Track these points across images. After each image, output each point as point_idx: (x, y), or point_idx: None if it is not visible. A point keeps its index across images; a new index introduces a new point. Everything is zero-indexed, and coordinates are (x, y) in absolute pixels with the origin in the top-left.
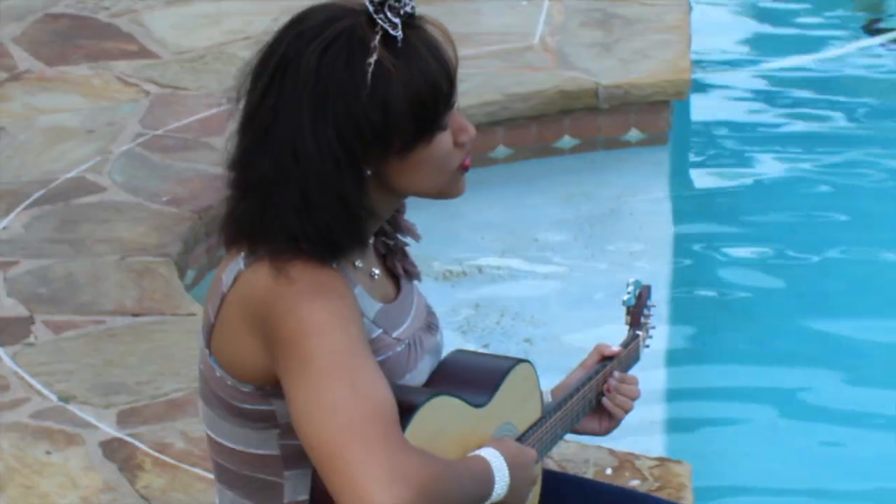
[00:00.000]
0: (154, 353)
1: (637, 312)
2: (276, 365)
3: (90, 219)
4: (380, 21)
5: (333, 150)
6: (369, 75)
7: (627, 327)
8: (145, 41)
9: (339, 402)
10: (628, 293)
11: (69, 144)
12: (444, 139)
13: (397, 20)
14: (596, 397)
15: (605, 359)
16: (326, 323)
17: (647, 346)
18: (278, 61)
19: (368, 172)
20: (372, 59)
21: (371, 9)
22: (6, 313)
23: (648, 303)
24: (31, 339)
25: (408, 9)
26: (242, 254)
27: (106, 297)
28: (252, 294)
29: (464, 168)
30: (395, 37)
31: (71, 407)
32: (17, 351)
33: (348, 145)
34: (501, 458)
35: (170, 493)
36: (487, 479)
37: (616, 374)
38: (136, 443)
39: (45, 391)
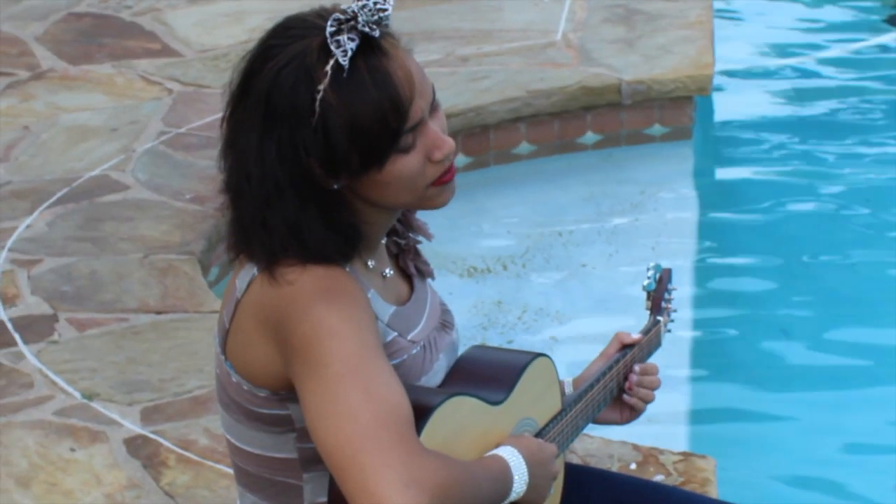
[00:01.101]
0: (177, 350)
1: (658, 297)
2: (290, 370)
3: (113, 217)
4: (333, 47)
5: (275, 173)
6: (317, 104)
7: (648, 312)
8: (168, 39)
9: (353, 408)
10: (648, 277)
11: (92, 143)
12: (404, 162)
13: (353, 45)
14: (617, 386)
15: (626, 347)
16: (339, 327)
17: (670, 331)
18: (243, 76)
19: (335, 187)
20: (320, 88)
21: (330, 31)
22: (30, 311)
23: (669, 286)
24: (55, 336)
25: (370, 28)
26: (254, 260)
27: (129, 294)
28: (265, 299)
29: (441, 183)
30: (343, 66)
31: (95, 404)
32: (41, 349)
33: (291, 169)
34: (520, 457)
35: (194, 490)
36: (506, 479)
37: (636, 367)
38: (160, 440)
39: (69, 389)
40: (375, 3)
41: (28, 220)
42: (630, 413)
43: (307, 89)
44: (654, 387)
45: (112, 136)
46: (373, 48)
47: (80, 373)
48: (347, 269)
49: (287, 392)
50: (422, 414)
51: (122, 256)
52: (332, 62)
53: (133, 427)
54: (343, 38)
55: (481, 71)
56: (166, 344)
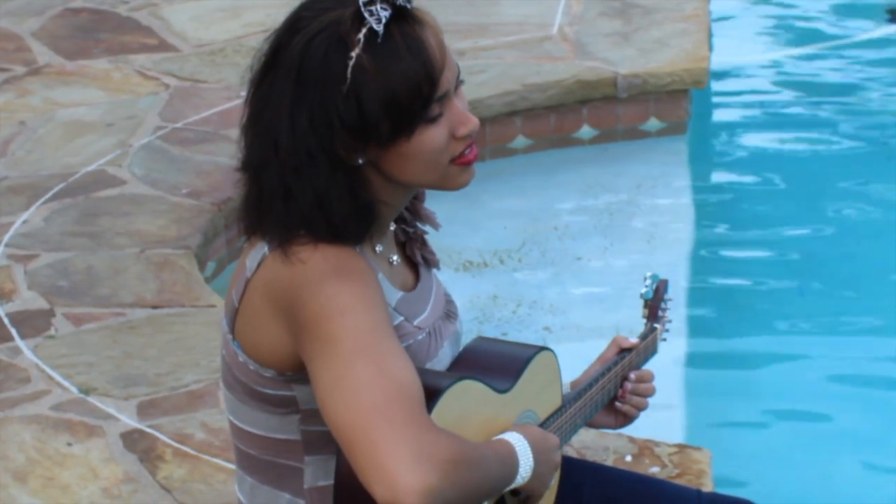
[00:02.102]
0: (174, 344)
1: (654, 306)
2: (301, 347)
3: (110, 212)
4: (366, 15)
5: (307, 141)
6: (349, 70)
7: (645, 320)
8: (165, 34)
9: (364, 384)
10: (646, 286)
11: (89, 138)
12: (431, 133)
13: (386, 13)
14: (614, 389)
15: (623, 350)
16: (352, 304)
17: (665, 339)
18: (272, 49)
19: (361, 161)
20: (353, 54)
21: (362, 1)
22: (27, 306)
23: (666, 297)
24: (52, 331)
25: (401, 2)
26: (267, 238)
27: (126, 289)
28: (277, 278)
29: (464, 162)
30: (377, 32)
31: (91, 399)
32: (38, 343)
33: (322, 137)
34: (526, 443)
35: (190, 484)
36: (512, 463)
37: (632, 375)
38: (157, 434)
39: (66, 383)
40: None
41: (24, 216)
42: (623, 419)
43: (340, 56)
44: (648, 394)
45: (108, 131)
46: (405, 17)
47: (76, 367)
48: (358, 250)
49: (293, 373)
50: (432, 395)
51: (118, 251)
52: (365, 29)
53: (129, 421)
54: (376, 7)
55: (477, 65)
56: (163, 338)
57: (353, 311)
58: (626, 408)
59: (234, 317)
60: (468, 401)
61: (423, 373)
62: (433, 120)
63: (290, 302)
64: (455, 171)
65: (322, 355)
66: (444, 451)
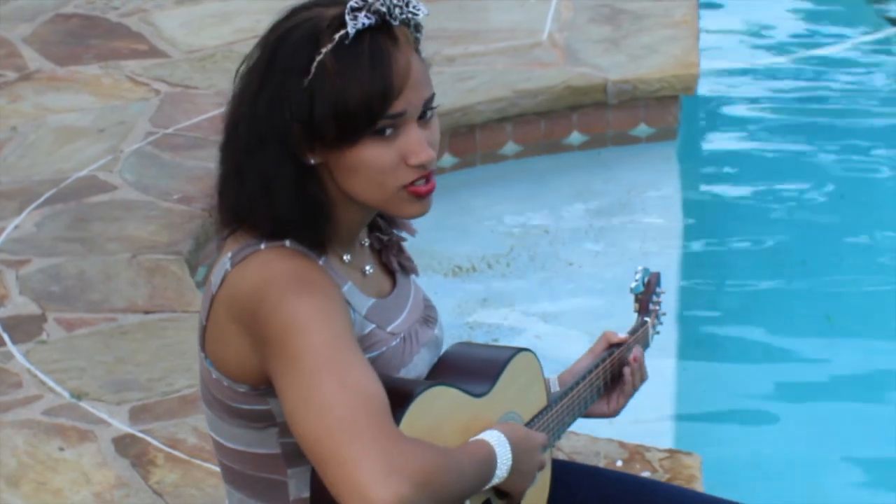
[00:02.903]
0: (165, 349)
1: (645, 299)
2: (267, 364)
3: (101, 217)
4: (348, 19)
5: (261, 125)
6: (314, 66)
7: (636, 314)
8: (155, 40)
9: (328, 400)
10: (636, 280)
11: (80, 144)
12: (377, 151)
13: (367, 22)
14: (603, 383)
15: (613, 346)
16: (312, 319)
17: (658, 333)
18: (263, 36)
19: (312, 161)
20: (322, 50)
21: (352, 5)
22: (19, 311)
23: (658, 290)
24: (44, 336)
25: (391, 15)
26: (229, 254)
27: (117, 294)
28: (238, 294)
29: (415, 192)
30: (348, 35)
31: (83, 404)
32: (30, 348)
33: (276, 125)
34: (505, 441)
35: (182, 488)
36: (489, 463)
37: (640, 349)
38: (149, 438)
39: (58, 388)
40: (409, 3)
41: (16, 221)
42: (617, 403)
43: (309, 50)
44: (643, 376)
45: (100, 136)
46: (384, 31)
47: (68, 372)
48: (321, 262)
49: (266, 386)
50: (401, 403)
51: (110, 256)
52: (341, 32)
53: (121, 426)
54: (362, 13)
55: (467, 71)
56: (154, 343)
57: (313, 325)
58: (628, 374)
59: (203, 333)
60: (441, 407)
61: (392, 381)
62: (381, 139)
63: (252, 318)
64: (404, 197)
65: (286, 372)
66: (414, 461)
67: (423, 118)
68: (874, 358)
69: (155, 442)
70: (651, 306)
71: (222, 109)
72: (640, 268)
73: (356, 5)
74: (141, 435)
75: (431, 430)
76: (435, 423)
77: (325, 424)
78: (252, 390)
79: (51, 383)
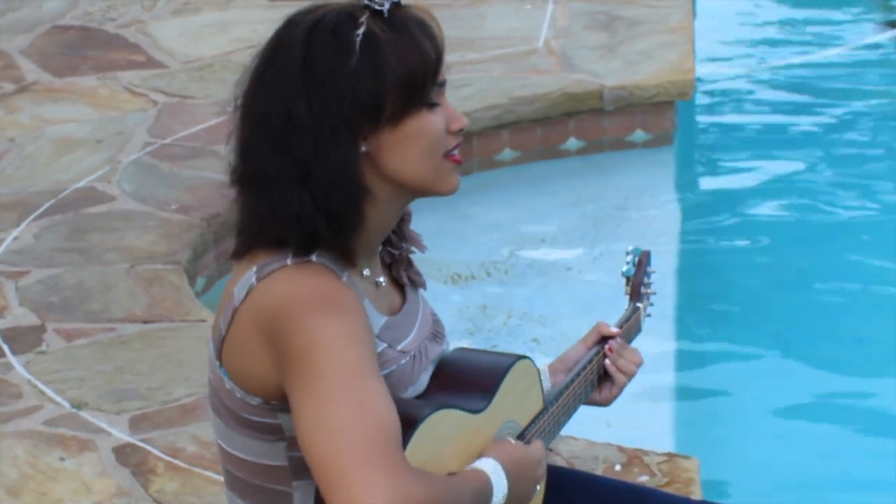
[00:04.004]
0: (164, 359)
1: (637, 282)
2: (285, 380)
3: (100, 228)
4: (368, 2)
5: (328, 116)
6: (357, 45)
7: (628, 298)
8: (152, 51)
9: (344, 423)
10: (627, 262)
11: (78, 154)
12: (433, 118)
13: (385, 3)
14: (597, 376)
15: (605, 338)
16: (337, 340)
17: (650, 315)
18: (270, 49)
19: (364, 149)
20: (360, 31)
21: None
22: (18, 322)
23: (648, 269)
24: (43, 347)
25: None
26: (255, 268)
27: (116, 304)
28: (264, 309)
29: (455, 161)
30: (381, 11)
31: (83, 413)
32: (30, 359)
33: (341, 110)
34: (501, 470)
35: (182, 497)
36: (486, 492)
37: (617, 340)
38: (149, 448)
39: (58, 398)
40: None
41: (15, 232)
42: (610, 391)
43: (348, 34)
44: (636, 361)
45: (97, 147)
46: (406, 7)
47: (68, 382)
48: (344, 279)
49: (279, 402)
50: (407, 428)
51: (108, 267)
52: (369, 11)
53: (121, 435)
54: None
55: (464, 78)
56: (153, 353)
57: (339, 347)
58: (613, 368)
59: (221, 344)
60: (444, 429)
61: (398, 403)
62: (433, 106)
63: (277, 333)
64: (447, 168)
65: (304, 390)
66: (418, 492)
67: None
68: (873, 364)
69: (155, 451)
70: (642, 289)
71: (219, 120)
72: (629, 248)
73: None
74: (141, 444)
75: (434, 451)
76: (438, 446)
77: (336, 446)
78: (264, 404)
79: (51, 393)
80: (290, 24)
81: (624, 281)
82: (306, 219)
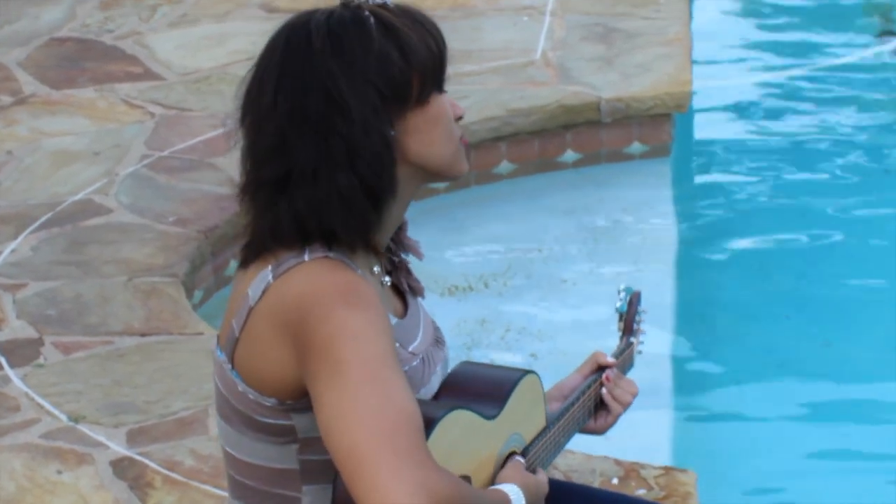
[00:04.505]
0: (162, 372)
1: (629, 319)
2: (306, 371)
3: (97, 240)
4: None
5: (371, 98)
6: (375, 30)
7: (620, 334)
8: (150, 63)
9: (371, 411)
10: (620, 299)
11: (75, 167)
12: (444, 102)
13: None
14: (594, 403)
15: (601, 368)
16: (362, 331)
17: (640, 353)
18: (281, 55)
19: (393, 133)
20: (373, 20)
21: None
22: (16, 335)
23: (640, 308)
24: (41, 360)
25: None
26: (269, 267)
27: (114, 317)
28: (285, 302)
29: (466, 144)
30: (385, 3)
31: (81, 427)
32: (27, 372)
33: (381, 92)
34: (521, 497)
35: None
36: None
37: (614, 370)
38: (146, 461)
39: (56, 411)
40: None
41: (12, 245)
42: (606, 420)
43: (365, 19)
44: (631, 391)
45: (95, 159)
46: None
47: (65, 395)
48: (360, 273)
49: (294, 401)
50: (426, 425)
51: (106, 279)
52: (370, 4)
53: (119, 449)
54: None
55: (461, 90)
56: (151, 366)
57: (364, 338)
58: (609, 397)
59: (233, 347)
60: (459, 430)
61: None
62: (444, 91)
63: (299, 325)
64: (462, 150)
65: (329, 379)
66: (445, 489)
67: None
68: (872, 377)
69: (153, 464)
70: (634, 326)
71: (217, 133)
72: (622, 286)
73: None
74: (138, 457)
75: (450, 451)
76: (453, 445)
77: (364, 434)
78: (279, 404)
79: (48, 407)
80: (295, 27)
81: (617, 317)
82: (354, 201)
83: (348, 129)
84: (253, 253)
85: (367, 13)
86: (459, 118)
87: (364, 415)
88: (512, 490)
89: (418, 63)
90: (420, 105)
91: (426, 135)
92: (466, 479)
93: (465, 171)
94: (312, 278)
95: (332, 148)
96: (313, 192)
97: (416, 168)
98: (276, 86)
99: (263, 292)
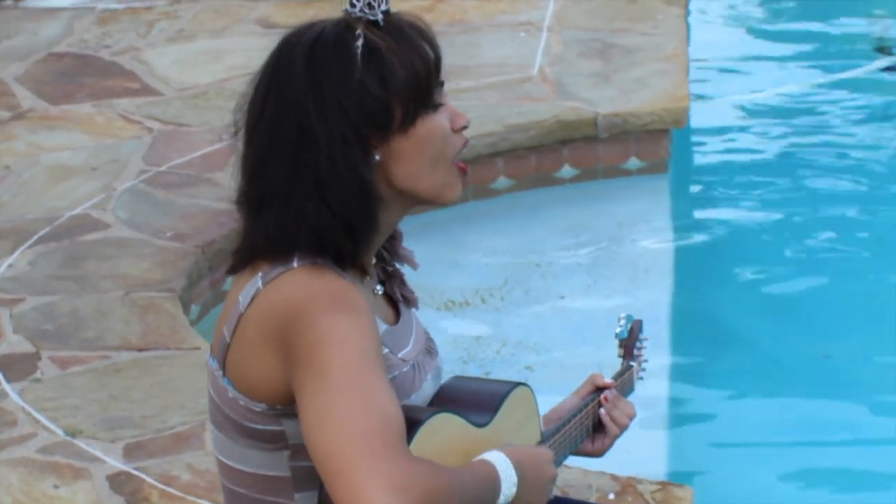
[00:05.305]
0: (159, 387)
1: (629, 345)
2: (292, 376)
3: (95, 255)
4: (360, 14)
5: (340, 128)
6: (359, 55)
7: (621, 360)
8: (148, 78)
9: (351, 415)
10: (620, 326)
11: (73, 182)
12: (440, 119)
13: (378, 13)
14: (592, 424)
15: (599, 389)
16: (346, 336)
17: (642, 378)
18: (271, 69)
19: (377, 157)
20: (359, 42)
21: (348, 8)
22: (12, 350)
23: (641, 336)
24: (38, 374)
25: (383, 6)
26: (260, 274)
27: (111, 332)
28: (272, 308)
29: (461, 169)
30: (376, 20)
31: (78, 441)
32: (24, 387)
33: (353, 122)
34: (507, 460)
35: None
36: (493, 481)
37: (612, 391)
38: (143, 476)
39: (52, 426)
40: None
41: (10, 260)
42: (603, 442)
43: (349, 46)
44: (629, 413)
45: (93, 175)
46: (392, 14)
47: (62, 410)
48: (349, 279)
49: (284, 406)
50: (410, 427)
51: (103, 294)
52: (363, 23)
53: (116, 463)
54: (364, 9)
55: (458, 106)
56: (148, 381)
57: (348, 343)
58: (607, 418)
59: (224, 353)
60: (447, 434)
61: (402, 406)
62: (437, 107)
63: (286, 330)
64: (454, 175)
65: (312, 384)
66: (421, 481)
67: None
68: (872, 390)
69: (149, 479)
70: (635, 352)
71: (214, 148)
72: (622, 315)
73: (351, 7)
74: (135, 472)
75: (437, 454)
76: (440, 449)
77: (344, 438)
78: (269, 409)
79: (45, 421)
80: (288, 44)
81: (617, 343)
82: (324, 231)
83: (315, 159)
84: (244, 259)
85: (356, 33)
86: (463, 128)
87: (343, 419)
88: (493, 455)
89: (399, 90)
90: (405, 129)
91: (411, 160)
92: None
93: (455, 198)
94: (300, 285)
95: (302, 177)
96: (284, 218)
97: (404, 193)
98: (263, 105)
99: (253, 298)
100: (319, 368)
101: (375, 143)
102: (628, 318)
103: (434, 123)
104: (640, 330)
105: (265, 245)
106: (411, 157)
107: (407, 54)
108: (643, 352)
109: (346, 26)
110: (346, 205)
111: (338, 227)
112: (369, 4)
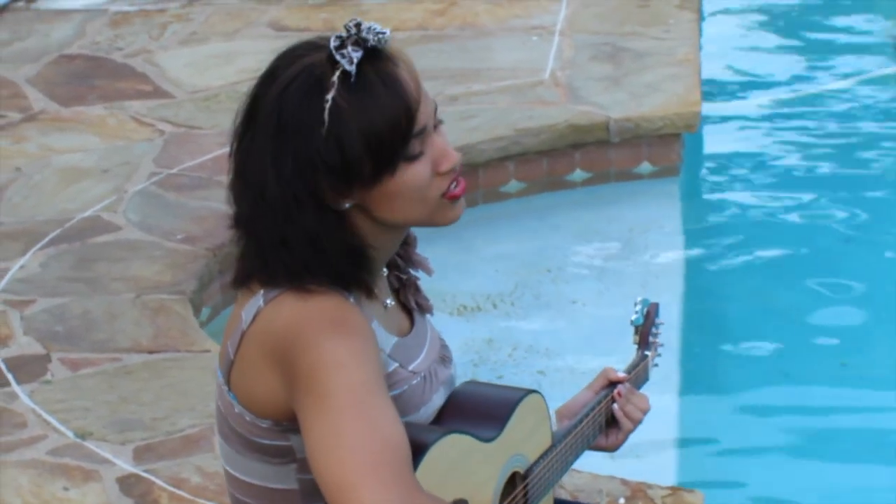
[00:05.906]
0: (169, 389)
1: (645, 331)
2: (294, 400)
3: (106, 257)
4: (338, 58)
5: (293, 187)
6: (326, 112)
7: (636, 347)
8: (159, 81)
9: (356, 441)
10: (636, 312)
11: (84, 184)
12: (414, 170)
13: (358, 54)
14: (605, 420)
15: (612, 383)
16: (346, 359)
17: (657, 366)
18: (250, 101)
19: (347, 205)
20: (329, 96)
21: (333, 44)
22: (23, 351)
23: (657, 320)
24: (48, 376)
25: (372, 42)
26: (261, 291)
27: (122, 334)
28: (272, 329)
29: (452, 197)
30: (350, 73)
31: (88, 443)
32: (35, 389)
33: (308, 181)
34: None
35: None
36: None
37: (626, 385)
38: (153, 478)
39: (62, 428)
40: (372, 26)
41: (21, 262)
42: (617, 437)
43: (317, 99)
44: (642, 407)
45: (104, 177)
46: (378, 56)
47: (73, 412)
48: (352, 300)
49: (289, 423)
50: (417, 451)
51: (114, 296)
52: (338, 71)
53: (126, 466)
54: (347, 49)
55: (470, 110)
56: (158, 383)
57: (348, 366)
58: (620, 413)
59: (229, 368)
60: (454, 454)
61: (409, 427)
62: (415, 157)
63: (286, 353)
64: (445, 204)
65: (314, 409)
66: None
67: (436, 128)
68: (889, 398)
69: (159, 482)
70: (651, 339)
71: (226, 150)
72: (639, 299)
73: (338, 43)
74: (145, 475)
75: (444, 476)
76: (448, 469)
77: (348, 465)
78: (275, 426)
79: (55, 423)
80: (277, 67)
81: (633, 330)
82: (297, 271)
83: (275, 218)
84: (245, 273)
85: (330, 83)
86: (449, 170)
87: (347, 446)
88: None
89: (363, 150)
90: (372, 184)
91: (387, 204)
92: (463, 503)
93: (452, 221)
94: (299, 306)
95: (266, 216)
96: (259, 248)
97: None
98: (244, 129)
99: (255, 317)
100: (321, 392)
101: (344, 192)
102: (644, 301)
103: (410, 174)
104: (657, 314)
105: (262, 269)
106: (390, 202)
107: (371, 118)
108: (658, 338)
109: (317, 78)
110: (304, 261)
111: (328, 261)
112: (356, 41)
